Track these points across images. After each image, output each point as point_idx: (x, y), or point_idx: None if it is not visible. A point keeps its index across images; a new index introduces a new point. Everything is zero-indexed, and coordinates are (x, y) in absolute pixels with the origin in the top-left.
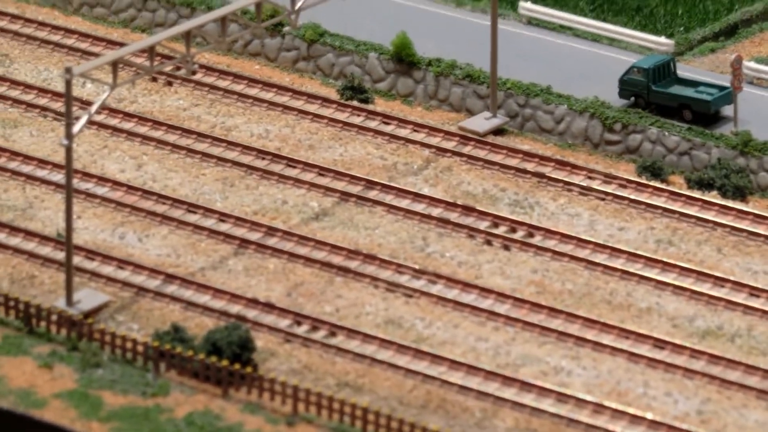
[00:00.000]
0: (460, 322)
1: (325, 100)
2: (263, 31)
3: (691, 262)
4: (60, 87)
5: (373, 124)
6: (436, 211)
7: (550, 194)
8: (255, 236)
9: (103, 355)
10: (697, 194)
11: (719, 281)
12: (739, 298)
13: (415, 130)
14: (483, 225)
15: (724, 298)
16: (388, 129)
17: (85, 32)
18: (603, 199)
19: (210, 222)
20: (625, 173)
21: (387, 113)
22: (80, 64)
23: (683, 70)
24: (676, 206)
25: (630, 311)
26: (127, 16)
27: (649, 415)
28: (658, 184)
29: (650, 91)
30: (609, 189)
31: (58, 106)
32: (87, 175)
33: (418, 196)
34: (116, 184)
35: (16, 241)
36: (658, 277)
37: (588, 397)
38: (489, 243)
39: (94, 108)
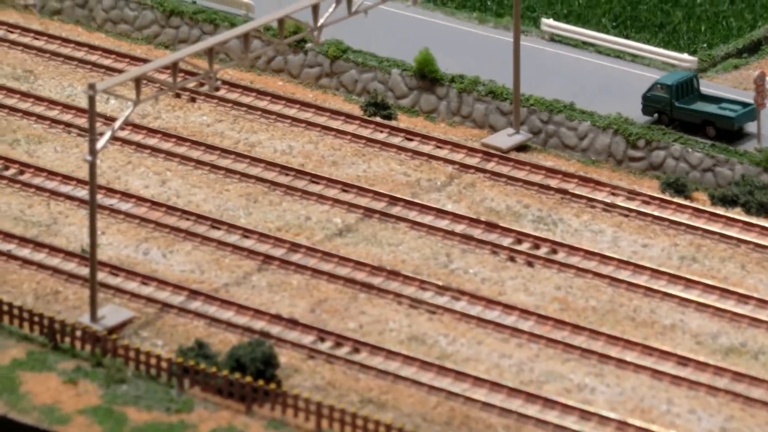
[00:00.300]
0: (483, 338)
1: (348, 116)
2: (286, 47)
3: (715, 278)
4: (84, 103)
5: (396, 140)
6: (459, 228)
7: (574, 210)
8: (278, 252)
9: (127, 371)
10: (720, 211)
11: (743, 298)
12: (763, 315)
13: (438, 147)
14: (506, 241)
15: (748, 315)
16: (411, 145)
17: (108, 48)
18: (626, 216)
19: (234, 238)
20: (648, 190)
21: (410, 129)
22: (104, 80)
23: (706, 87)
24: (699, 223)
25: (653, 328)
26: (151, 32)
27: None
28: (681, 201)
29: (673, 108)
30: (632, 205)
31: (82, 122)
32: (111, 191)
33: (441, 212)
34: (140, 199)
35: (40, 256)
36: (682, 294)
37: (611, 415)
38: (512, 259)
39: (117, 124)
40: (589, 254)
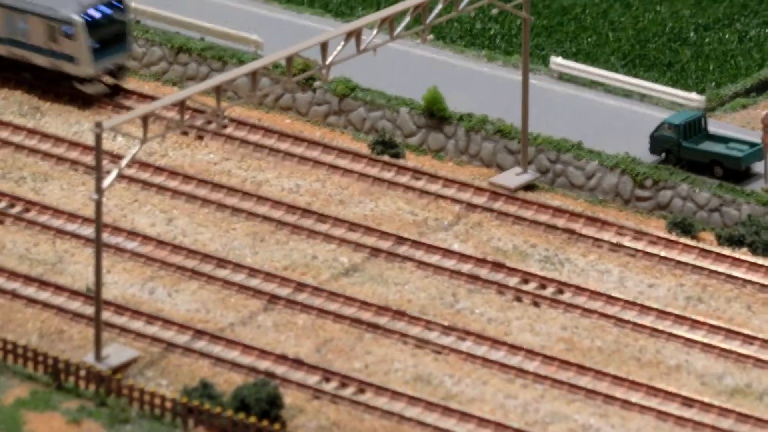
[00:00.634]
0: (488, 378)
1: (356, 155)
2: (294, 85)
3: (721, 319)
4: (90, 140)
5: (403, 179)
6: (465, 267)
7: (581, 250)
8: (284, 291)
9: (131, 410)
10: (727, 251)
11: (748, 339)
12: None
13: (445, 186)
14: (513, 281)
15: (753, 356)
16: (419, 184)
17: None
18: (633, 256)
19: (240, 277)
20: (655, 230)
21: (418, 168)
22: (111, 117)
23: (714, 126)
24: (706, 263)
25: (659, 368)
26: (159, 69)
27: None
28: (688, 241)
29: (681, 147)
30: (639, 245)
31: (89, 159)
32: (117, 230)
33: (448, 252)
34: (146, 238)
35: (45, 295)
36: (687, 335)
37: None
38: (519, 299)
39: (124, 162)
40: (595, 294)
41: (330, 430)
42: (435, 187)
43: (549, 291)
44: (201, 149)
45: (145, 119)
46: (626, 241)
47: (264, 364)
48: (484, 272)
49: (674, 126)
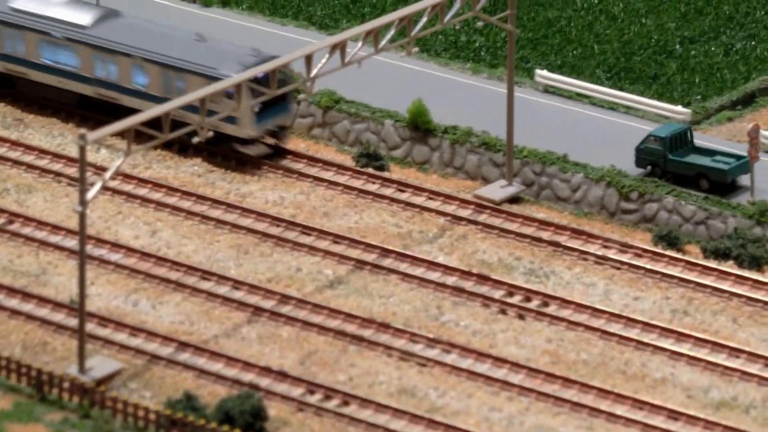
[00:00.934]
0: (473, 391)
1: (341, 167)
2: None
3: (707, 332)
4: (74, 152)
5: (388, 191)
6: (450, 280)
7: (566, 263)
8: (269, 304)
9: (115, 423)
10: (713, 264)
11: (734, 352)
12: (755, 369)
13: (430, 198)
14: (498, 294)
15: (739, 369)
16: (404, 197)
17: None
18: (618, 269)
19: (224, 289)
20: (641, 242)
21: (402, 180)
22: (94, 129)
23: (700, 139)
24: (691, 276)
25: (644, 381)
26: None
27: None
28: (674, 254)
29: (667, 160)
30: (625, 258)
31: (72, 171)
32: (101, 242)
33: (432, 265)
34: (130, 250)
35: (29, 307)
36: (673, 348)
37: None
38: (504, 312)
39: (108, 174)
40: (580, 307)
41: None
42: (420, 200)
43: (534, 303)
44: (185, 161)
45: (129, 132)
46: (612, 254)
47: (248, 377)
48: (469, 285)
49: (660, 139)
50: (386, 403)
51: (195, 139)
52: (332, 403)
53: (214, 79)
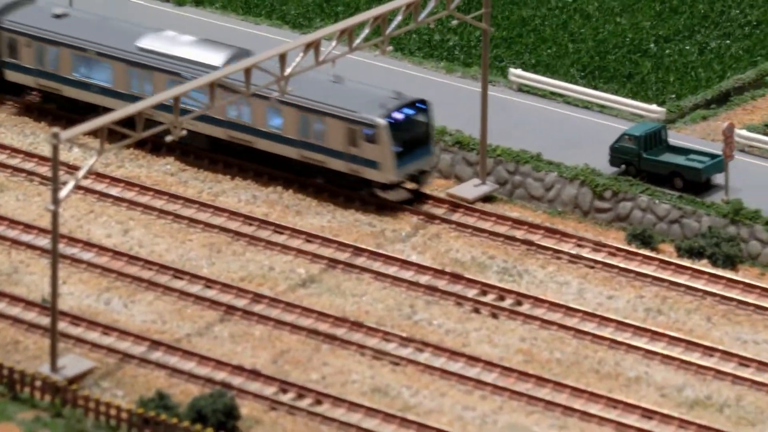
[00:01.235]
0: (447, 390)
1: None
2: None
3: (681, 331)
4: (46, 151)
5: (361, 190)
6: (423, 279)
7: (539, 262)
8: (241, 303)
9: (87, 422)
10: (687, 263)
11: (708, 351)
12: (728, 367)
13: None
14: (471, 293)
15: (714, 368)
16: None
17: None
18: (592, 267)
19: (196, 288)
20: (614, 241)
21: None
22: (67, 128)
23: (674, 138)
24: (665, 275)
25: (618, 380)
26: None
27: None
28: (648, 253)
29: (641, 159)
30: (598, 257)
31: (45, 170)
32: (73, 240)
33: (405, 264)
34: (102, 249)
35: (0, 306)
36: (647, 347)
37: None
38: (477, 311)
39: (81, 173)
40: (554, 306)
41: None
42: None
43: (508, 302)
44: (157, 160)
45: (101, 130)
46: (585, 253)
47: (220, 375)
48: (442, 283)
49: (634, 137)
50: (359, 402)
51: (168, 138)
52: (305, 402)
53: (356, 122)
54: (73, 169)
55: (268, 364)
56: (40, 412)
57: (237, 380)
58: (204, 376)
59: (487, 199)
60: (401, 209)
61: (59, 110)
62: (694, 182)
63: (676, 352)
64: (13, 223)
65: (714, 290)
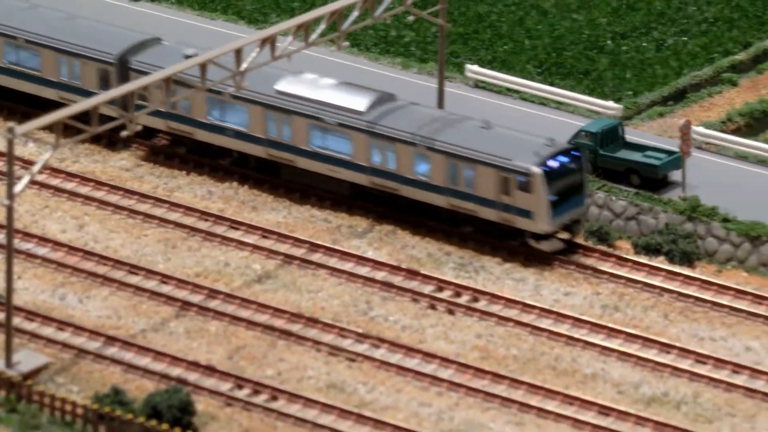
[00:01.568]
0: (403, 386)
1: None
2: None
3: (637, 327)
4: (1, 146)
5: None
6: (379, 275)
7: (496, 258)
8: (197, 298)
9: (42, 417)
10: (644, 259)
11: (665, 347)
12: (685, 364)
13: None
14: (427, 289)
15: (670, 365)
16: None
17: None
18: (549, 264)
19: (152, 284)
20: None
21: None
22: (22, 123)
23: (631, 135)
24: (622, 271)
25: (575, 377)
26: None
27: None
28: (604, 249)
29: (598, 156)
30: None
31: (0, 165)
32: (28, 235)
33: (362, 260)
34: (57, 244)
35: None
36: (604, 343)
37: None
38: (433, 307)
39: (36, 168)
40: (510, 302)
41: None
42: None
43: (464, 299)
44: (113, 156)
45: (57, 125)
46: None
47: (176, 371)
48: (398, 280)
49: (591, 134)
50: (315, 398)
51: (123, 133)
52: (261, 398)
53: (509, 170)
54: (28, 164)
55: (224, 360)
56: None
57: (192, 376)
58: (159, 372)
59: None
60: (358, 205)
61: (189, 154)
62: (651, 179)
63: (633, 348)
64: None
65: (671, 287)
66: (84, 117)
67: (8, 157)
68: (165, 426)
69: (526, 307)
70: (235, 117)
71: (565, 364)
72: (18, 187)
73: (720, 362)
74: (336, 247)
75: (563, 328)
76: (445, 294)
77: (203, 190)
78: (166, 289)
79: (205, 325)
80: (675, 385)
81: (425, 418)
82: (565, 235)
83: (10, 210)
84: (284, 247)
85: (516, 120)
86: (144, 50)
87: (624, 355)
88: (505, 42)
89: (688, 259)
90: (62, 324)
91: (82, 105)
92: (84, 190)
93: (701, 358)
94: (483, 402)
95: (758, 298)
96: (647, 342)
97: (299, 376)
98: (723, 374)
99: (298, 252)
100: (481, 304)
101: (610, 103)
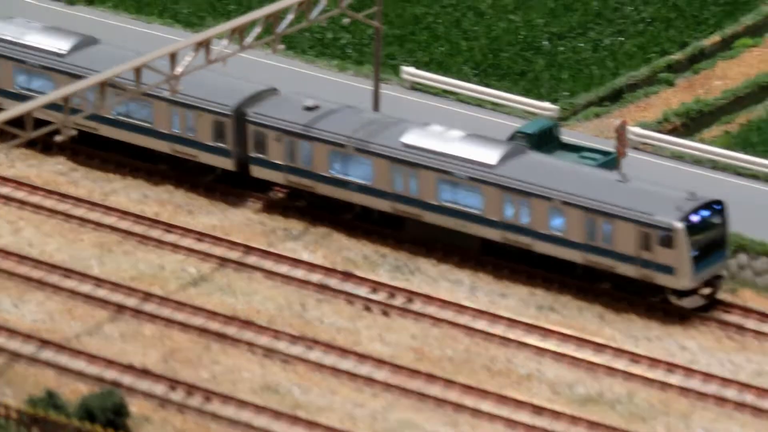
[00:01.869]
0: (337, 388)
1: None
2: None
3: (573, 328)
4: None
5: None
6: (315, 277)
7: (431, 260)
8: (132, 302)
9: None
10: None
11: (600, 347)
12: (620, 364)
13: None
14: (362, 291)
15: (605, 365)
16: (267, 194)
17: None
18: (484, 266)
19: (87, 287)
20: None
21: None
22: None
23: (568, 136)
24: (556, 274)
25: (510, 378)
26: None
27: None
28: None
29: None
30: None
31: None
32: None
33: (297, 262)
34: None
35: None
36: (539, 344)
37: None
38: (368, 309)
39: None
40: (445, 304)
41: None
42: (283, 197)
43: (399, 300)
44: (48, 160)
45: None
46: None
47: (110, 374)
48: (333, 282)
49: (527, 135)
50: (249, 400)
51: (58, 138)
52: (195, 400)
53: (650, 225)
54: None
55: (158, 363)
56: None
57: (127, 379)
58: (94, 375)
59: None
60: (292, 207)
61: (310, 208)
62: None
63: (567, 349)
64: None
65: (606, 287)
66: (19, 122)
67: None
68: (99, 428)
69: (461, 308)
70: (358, 170)
71: (499, 364)
72: None
73: (655, 362)
74: (271, 249)
75: (498, 329)
76: (380, 296)
77: (138, 193)
78: (101, 292)
79: (140, 328)
80: (610, 385)
81: (360, 419)
82: (706, 291)
83: None
84: (219, 250)
85: (453, 121)
86: (261, 101)
87: (559, 356)
88: (442, 44)
89: None
90: None
91: (16, 110)
92: (19, 194)
93: (636, 358)
94: (417, 403)
95: None
96: (582, 342)
97: (234, 378)
98: (657, 374)
99: (234, 255)
100: (416, 306)
101: (547, 104)
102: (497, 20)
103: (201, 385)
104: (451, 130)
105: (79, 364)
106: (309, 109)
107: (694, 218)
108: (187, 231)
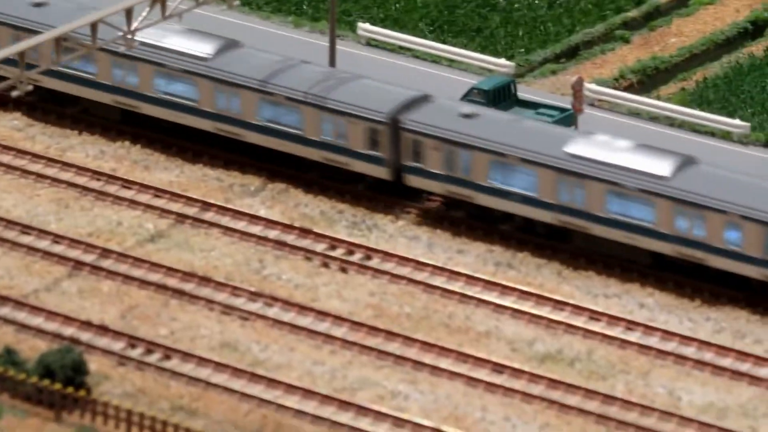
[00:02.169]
0: (296, 345)
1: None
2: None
3: (531, 285)
4: None
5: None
6: (272, 233)
7: (389, 216)
8: (89, 258)
9: None
10: None
11: (559, 305)
12: (579, 321)
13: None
14: (320, 247)
15: (564, 322)
16: (225, 150)
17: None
18: (441, 223)
19: (44, 244)
20: None
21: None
22: None
23: (524, 92)
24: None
25: (468, 335)
26: None
27: None
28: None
29: None
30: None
31: None
32: None
33: (254, 218)
34: None
35: None
36: (497, 301)
37: (425, 422)
38: (326, 266)
39: None
40: (403, 260)
41: (135, 397)
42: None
43: (357, 257)
44: (4, 116)
45: None
46: (434, 207)
47: (69, 331)
48: (291, 238)
49: (483, 92)
50: (208, 357)
51: (14, 93)
52: (154, 357)
53: None
54: None
55: (117, 320)
56: None
57: (85, 336)
58: (52, 332)
59: None
60: (250, 164)
61: (468, 218)
62: None
63: (526, 306)
64: None
65: (564, 245)
66: None
67: None
68: (58, 386)
69: (419, 264)
70: (520, 181)
71: (458, 321)
72: None
73: (614, 319)
74: (228, 206)
75: (456, 286)
76: (338, 252)
77: (95, 149)
78: (58, 248)
79: (97, 284)
80: (569, 342)
81: (319, 376)
82: None
83: None
84: (177, 207)
85: (408, 78)
86: (417, 108)
87: (517, 313)
88: (398, 0)
89: None
90: None
91: None
92: None
93: (595, 315)
94: (376, 360)
95: None
96: (541, 299)
97: (192, 336)
98: (617, 331)
99: (191, 211)
100: (374, 262)
101: (503, 61)
102: None
103: (160, 342)
104: (619, 140)
105: (38, 321)
106: (467, 116)
107: None
108: (144, 187)
